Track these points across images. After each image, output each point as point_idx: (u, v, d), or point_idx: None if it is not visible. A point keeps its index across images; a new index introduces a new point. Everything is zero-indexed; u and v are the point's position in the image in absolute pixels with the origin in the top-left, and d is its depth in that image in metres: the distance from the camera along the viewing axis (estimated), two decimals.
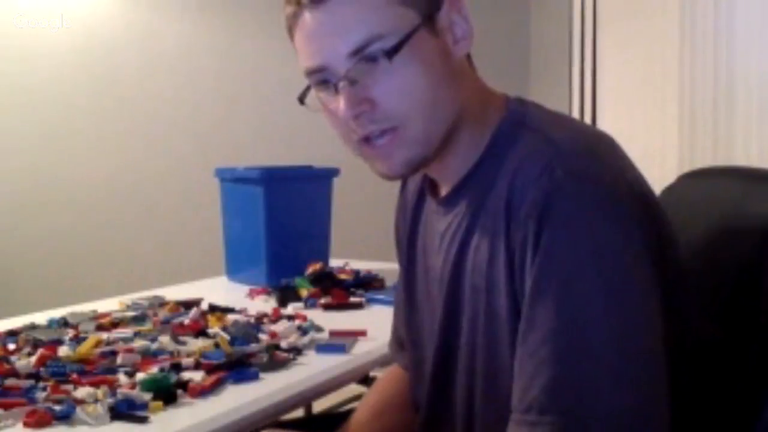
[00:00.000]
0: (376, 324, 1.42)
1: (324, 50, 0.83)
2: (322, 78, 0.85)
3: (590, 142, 0.85)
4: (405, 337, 1.10)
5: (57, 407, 1.04)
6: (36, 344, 1.32)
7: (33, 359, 1.21)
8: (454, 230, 0.91)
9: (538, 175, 0.78)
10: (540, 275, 0.76)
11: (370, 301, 1.72)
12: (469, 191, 0.90)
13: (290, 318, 1.53)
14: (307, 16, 0.84)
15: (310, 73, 0.86)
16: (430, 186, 0.99)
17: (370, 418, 1.13)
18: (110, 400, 1.05)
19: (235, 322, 1.46)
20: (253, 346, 1.29)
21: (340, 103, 0.83)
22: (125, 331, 1.42)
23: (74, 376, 1.15)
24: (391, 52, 0.81)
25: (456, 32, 0.87)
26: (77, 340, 1.35)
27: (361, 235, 2.94)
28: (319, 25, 0.83)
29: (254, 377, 1.18)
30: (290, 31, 0.88)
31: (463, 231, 0.90)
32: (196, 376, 1.15)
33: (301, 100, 0.90)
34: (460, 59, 0.89)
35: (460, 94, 0.87)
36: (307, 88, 0.89)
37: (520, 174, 0.81)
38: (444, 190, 0.94)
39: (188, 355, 1.25)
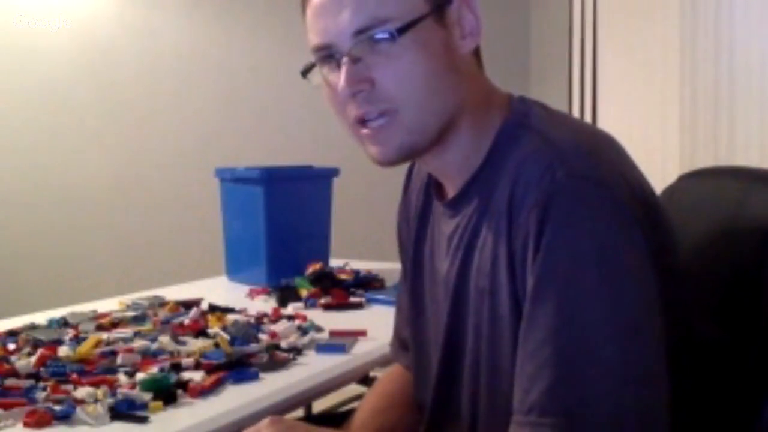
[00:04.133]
0: (376, 324, 1.42)
1: (331, 28, 0.85)
2: (326, 54, 0.87)
3: (592, 142, 0.85)
4: (409, 339, 1.10)
5: (57, 407, 1.04)
6: (36, 344, 1.32)
7: (33, 359, 1.21)
8: (461, 233, 0.91)
9: (539, 177, 0.78)
10: (541, 276, 0.76)
11: (370, 301, 1.72)
12: (474, 193, 0.90)
13: (290, 318, 1.53)
14: None
15: (317, 50, 0.87)
16: (436, 188, 0.99)
17: (372, 414, 1.13)
18: (110, 400, 1.05)
19: (235, 322, 1.46)
20: (253, 346, 1.29)
21: (340, 79, 0.84)
22: (125, 331, 1.42)
23: (74, 376, 1.15)
24: (396, 34, 0.82)
25: (464, 27, 0.88)
26: (77, 340, 1.35)
27: (361, 235, 2.94)
28: (329, 4, 0.84)
29: (254, 377, 1.18)
30: (303, 8, 0.89)
31: (469, 233, 0.89)
32: (196, 376, 1.15)
33: (304, 74, 0.91)
34: (466, 55, 0.89)
35: (461, 89, 0.87)
36: (312, 66, 0.90)
37: (521, 175, 0.81)
38: (450, 192, 0.94)
39: (188, 355, 1.25)
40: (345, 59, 0.84)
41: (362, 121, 0.86)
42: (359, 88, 0.84)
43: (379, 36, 0.83)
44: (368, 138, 0.87)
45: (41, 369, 1.18)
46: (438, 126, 0.87)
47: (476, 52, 0.91)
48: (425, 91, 0.84)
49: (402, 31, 0.82)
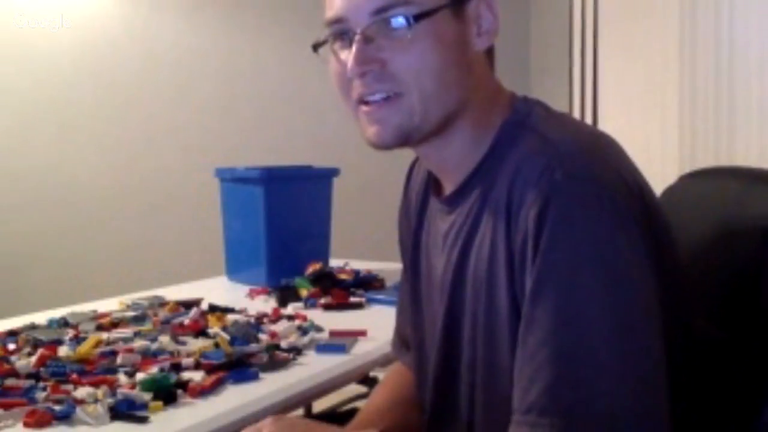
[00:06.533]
0: (376, 324, 1.42)
1: (348, 3, 0.85)
2: (340, 29, 0.87)
3: (590, 142, 0.85)
4: (410, 339, 1.10)
5: (57, 407, 1.04)
6: (36, 344, 1.32)
7: (33, 359, 1.21)
8: (456, 230, 0.91)
9: (537, 176, 0.79)
10: (539, 276, 0.76)
11: (370, 301, 1.72)
12: (472, 191, 0.90)
13: (290, 318, 1.53)
14: None
15: (330, 23, 0.88)
16: (434, 185, 0.99)
17: (379, 412, 1.10)
18: (110, 400, 1.05)
19: (235, 322, 1.46)
20: (253, 346, 1.29)
21: (350, 57, 0.85)
22: (125, 331, 1.42)
23: (74, 376, 1.15)
24: (412, 21, 0.83)
25: (481, 25, 0.89)
26: (77, 340, 1.35)
27: (361, 235, 2.94)
28: None
29: (254, 377, 1.18)
30: None
31: (465, 231, 0.90)
32: (196, 376, 1.15)
33: (315, 48, 0.91)
34: (479, 52, 0.89)
35: (468, 86, 0.88)
36: (323, 42, 0.90)
37: (520, 175, 0.81)
38: (448, 189, 0.94)
39: (188, 355, 1.25)
40: (357, 37, 0.84)
41: (365, 102, 0.87)
42: (369, 68, 0.85)
43: (395, 22, 0.83)
44: (367, 116, 0.87)
45: (41, 369, 1.19)
46: (439, 117, 0.87)
47: (489, 51, 0.92)
48: (433, 81, 0.85)
49: (418, 18, 0.83)
